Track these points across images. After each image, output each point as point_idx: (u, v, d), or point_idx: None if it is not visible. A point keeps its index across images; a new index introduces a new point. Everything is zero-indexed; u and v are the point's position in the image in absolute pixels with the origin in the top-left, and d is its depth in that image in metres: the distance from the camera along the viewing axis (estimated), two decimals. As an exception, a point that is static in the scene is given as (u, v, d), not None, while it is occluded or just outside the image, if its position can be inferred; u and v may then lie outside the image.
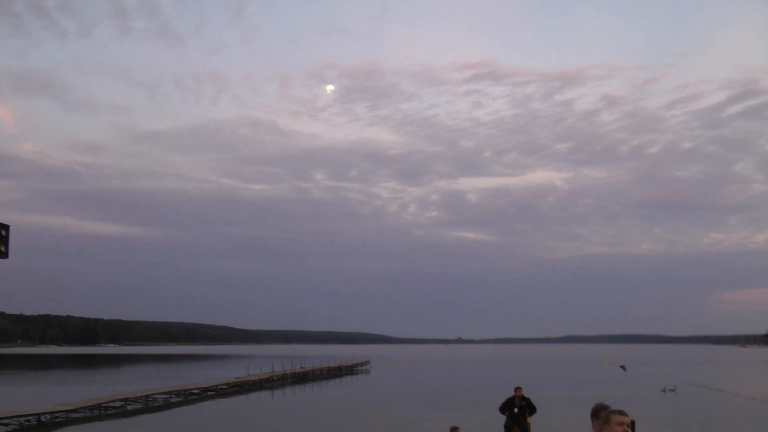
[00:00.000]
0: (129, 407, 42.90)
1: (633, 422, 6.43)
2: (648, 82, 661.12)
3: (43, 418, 36.20)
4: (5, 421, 33.64)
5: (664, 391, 54.35)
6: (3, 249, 17.98)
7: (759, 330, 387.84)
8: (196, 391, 53.10)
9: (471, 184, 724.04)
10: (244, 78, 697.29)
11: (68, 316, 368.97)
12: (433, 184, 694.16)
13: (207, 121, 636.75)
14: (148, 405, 44.74)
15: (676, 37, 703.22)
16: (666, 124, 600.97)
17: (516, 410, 21.08)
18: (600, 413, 6.20)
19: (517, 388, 21.47)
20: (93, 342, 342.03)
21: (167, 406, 45.15)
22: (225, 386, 59.02)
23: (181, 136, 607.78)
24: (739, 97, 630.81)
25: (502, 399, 21.67)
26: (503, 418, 21.34)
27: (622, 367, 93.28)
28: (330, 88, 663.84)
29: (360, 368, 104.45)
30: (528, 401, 21.40)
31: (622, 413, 6.23)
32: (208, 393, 54.14)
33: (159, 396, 48.18)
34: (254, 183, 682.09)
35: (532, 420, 21.53)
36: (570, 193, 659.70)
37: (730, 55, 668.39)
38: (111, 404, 42.10)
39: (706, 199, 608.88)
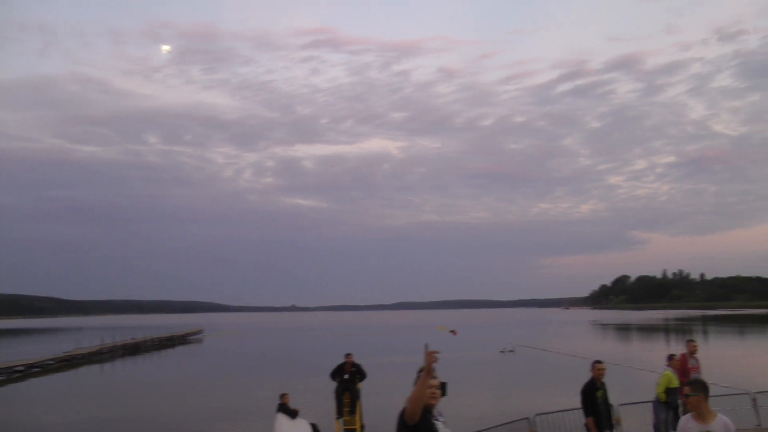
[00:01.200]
0: (-54, 386, 40.82)
1: (444, 384, 6.76)
2: (484, 57, 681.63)
3: None
4: None
5: (503, 352, 56.70)
6: None
7: (581, 293, 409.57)
8: (21, 367, 50.82)
9: (307, 151, 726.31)
10: (74, 31, 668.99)
11: None
12: (269, 150, 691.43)
13: (34, 75, 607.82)
14: (-34, 383, 42.69)
15: (510, 15, 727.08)
16: (500, 99, 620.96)
17: (346, 376, 21.49)
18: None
19: (348, 355, 21.88)
20: None
21: (-12, 383, 43.21)
22: (52, 361, 56.89)
23: (6, 90, 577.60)
24: (569, 77, 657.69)
25: (333, 366, 22.04)
26: (334, 385, 21.71)
27: (452, 331, 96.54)
28: (165, 48, 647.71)
29: (192, 337, 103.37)
30: (358, 367, 21.85)
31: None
32: (34, 369, 51.98)
33: (-21, 373, 46.03)
34: (84, 144, 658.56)
35: (362, 385, 22.02)
36: (404, 162, 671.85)
37: (561, 37, 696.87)
38: (-75, 384, 39.93)
39: (536, 171, 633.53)
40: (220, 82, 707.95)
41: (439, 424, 6.24)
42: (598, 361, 12.39)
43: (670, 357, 15.37)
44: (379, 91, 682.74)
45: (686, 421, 7.44)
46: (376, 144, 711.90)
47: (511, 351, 57.05)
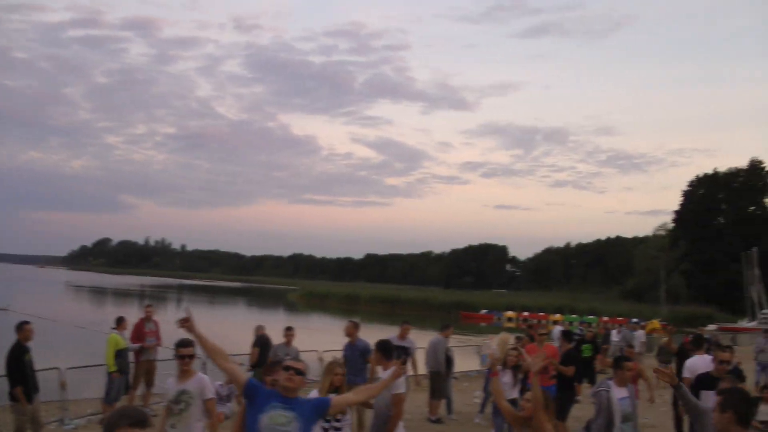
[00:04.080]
0: None
1: None
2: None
3: None
4: None
5: None
6: None
7: (60, 252, 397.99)
8: None
9: None
10: None
11: None
12: None
13: None
14: None
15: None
16: (3, 28, 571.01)
17: None
18: None
19: None
20: None
21: None
22: None
23: None
24: (82, 24, 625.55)
25: None
26: None
27: None
28: None
29: None
30: None
31: None
32: None
33: None
34: None
35: None
36: None
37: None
38: None
39: (30, 116, 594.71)
40: None
41: None
42: (26, 322, 11.70)
43: (119, 320, 15.33)
44: None
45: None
46: None
47: (4, 309, 53.34)
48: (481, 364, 19.49)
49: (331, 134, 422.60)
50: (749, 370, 19.75)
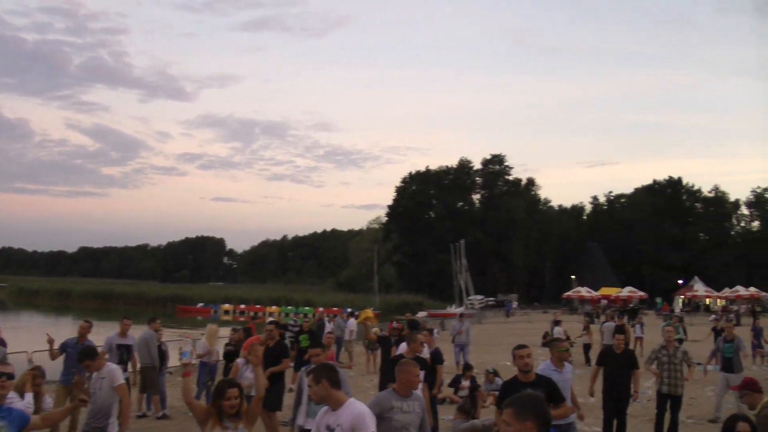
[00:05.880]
0: None
1: None
2: None
3: None
4: None
5: None
6: None
7: None
8: None
9: None
10: None
11: None
12: None
13: None
14: None
15: None
16: None
17: None
18: None
19: None
20: None
21: None
22: None
23: None
24: None
25: None
26: None
27: None
28: None
29: None
30: None
31: None
32: None
33: None
34: None
35: None
36: None
37: None
38: None
39: None
40: None
41: None
42: None
43: None
44: None
45: None
46: None
47: None
48: (180, 359, 19.23)
49: (45, 119, 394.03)
50: (449, 351, 21.36)
